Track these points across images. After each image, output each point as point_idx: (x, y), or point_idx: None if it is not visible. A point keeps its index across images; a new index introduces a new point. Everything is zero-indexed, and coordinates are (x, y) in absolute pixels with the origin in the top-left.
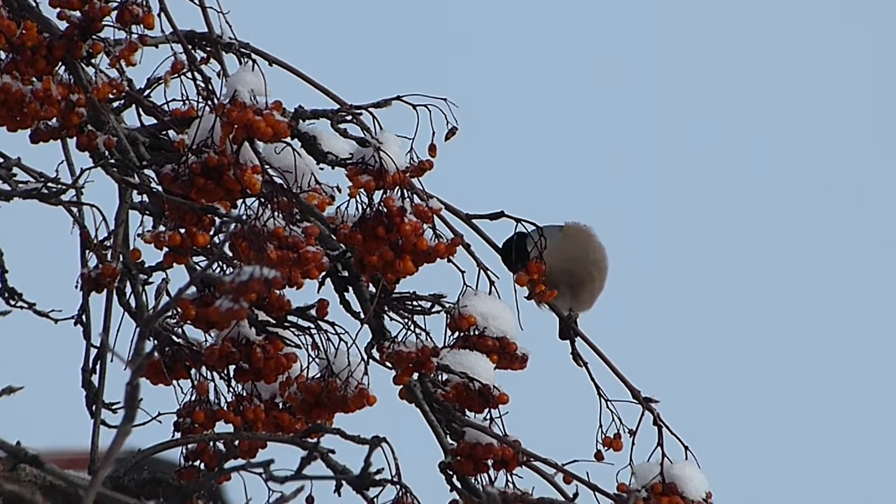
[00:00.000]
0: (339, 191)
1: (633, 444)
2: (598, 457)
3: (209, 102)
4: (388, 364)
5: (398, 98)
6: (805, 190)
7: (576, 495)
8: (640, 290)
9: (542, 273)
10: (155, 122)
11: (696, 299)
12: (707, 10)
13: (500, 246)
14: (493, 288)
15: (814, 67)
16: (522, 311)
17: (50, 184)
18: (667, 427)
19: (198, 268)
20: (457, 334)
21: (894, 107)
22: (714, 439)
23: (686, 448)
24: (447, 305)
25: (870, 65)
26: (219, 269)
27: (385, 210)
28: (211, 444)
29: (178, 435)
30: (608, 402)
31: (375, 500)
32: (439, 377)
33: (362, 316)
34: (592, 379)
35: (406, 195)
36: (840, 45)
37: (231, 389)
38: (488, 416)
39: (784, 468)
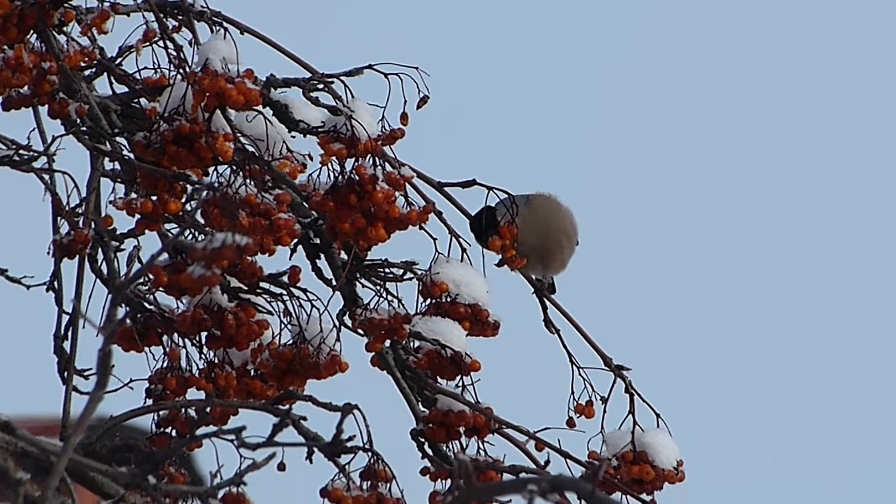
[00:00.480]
0: (311, 159)
1: (604, 411)
2: (570, 424)
3: (181, 71)
4: (360, 331)
5: (370, 67)
6: (776, 165)
7: (547, 462)
8: (613, 259)
9: (514, 237)
10: (127, 90)
11: (668, 268)
12: None
13: (470, 217)
14: (464, 255)
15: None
16: (494, 278)
17: (21, 151)
18: (638, 395)
19: (170, 235)
20: (429, 301)
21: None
22: (686, 407)
23: (658, 416)
24: (419, 272)
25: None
26: (191, 236)
27: (357, 178)
28: (182, 410)
29: (149, 402)
30: (580, 370)
31: (347, 466)
32: (411, 344)
33: (334, 283)
34: (564, 346)
35: (378, 163)
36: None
37: (203, 356)
38: (460, 384)
39: (755, 437)
